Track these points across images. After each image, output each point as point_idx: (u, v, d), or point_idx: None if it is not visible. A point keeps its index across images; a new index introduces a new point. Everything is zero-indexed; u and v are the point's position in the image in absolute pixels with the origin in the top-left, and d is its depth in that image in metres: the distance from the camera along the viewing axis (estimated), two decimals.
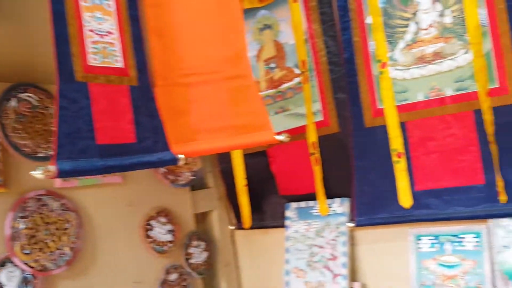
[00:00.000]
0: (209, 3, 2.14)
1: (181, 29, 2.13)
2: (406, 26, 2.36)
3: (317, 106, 2.66)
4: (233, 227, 3.19)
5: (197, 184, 3.10)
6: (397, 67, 2.39)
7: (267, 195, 2.99)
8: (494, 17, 2.12)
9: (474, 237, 2.23)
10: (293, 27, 2.64)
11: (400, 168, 2.38)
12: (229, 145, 2.22)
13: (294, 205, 2.85)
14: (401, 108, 2.38)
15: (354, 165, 2.54)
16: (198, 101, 2.14)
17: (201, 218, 3.17)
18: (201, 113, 2.14)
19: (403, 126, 2.38)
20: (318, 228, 2.71)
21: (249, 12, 2.84)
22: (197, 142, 2.14)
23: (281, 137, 2.14)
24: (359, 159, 2.53)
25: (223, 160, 3.06)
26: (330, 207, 2.68)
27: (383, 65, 2.40)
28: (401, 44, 2.38)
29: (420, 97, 2.34)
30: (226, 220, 3.21)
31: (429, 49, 2.30)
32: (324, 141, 2.64)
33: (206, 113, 2.14)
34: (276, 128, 2.60)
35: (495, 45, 2.13)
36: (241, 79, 2.11)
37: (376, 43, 2.41)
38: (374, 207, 2.49)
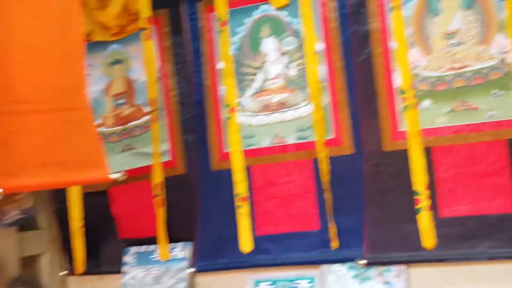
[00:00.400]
0: (48, 28, 1.97)
1: (12, 51, 1.92)
2: (255, 74, 2.45)
3: (165, 146, 2.60)
4: (65, 273, 2.91)
5: (26, 224, 2.79)
6: (245, 113, 2.45)
7: (105, 238, 2.80)
8: (332, 74, 2.29)
9: (309, 282, 2.29)
10: (145, 65, 2.60)
11: (243, 213, 2.39)
12: (58, 181, 2.01)
13: (133, 249, 2.70)
14: (247, 153, 2.42)
15: (199, 208, 2.50)
16: (26, 131, 1.90)
17: (29, 262, 2.85)
18: (28, 144, 1.90)
19: (248, 170, 2.41)
20: (157, 274, 2.58)
21: (99, 45, 2.74)
22: (22, 176, 1.90)
23: (115, 176, 2.02)
24: (204, 202, 2.50)
25: (59, 198, 2.81)
26: (171, 251, 2.58)
27: (232, 110, 2.45)
28: (250, 91, 2.45)
29: (265, 143, 2.41)
30: (58, 264, 2.92)
31: (275, 98, 2.40)
32: (170, 182, 2.58)
33: (34, 145, 1.90)
34: (120, 167, 2.51)
35: (332, 100, 2.29)
36: (77, 112, 1.96)
37: (226, 88, 2.46)
38: (216, 252, 2.46)
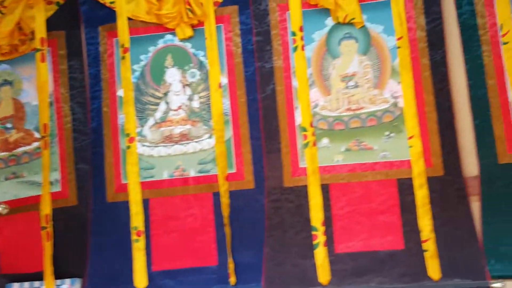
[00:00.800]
0: None
1: None
2: (157, 104, 2.39)
3: (56, 175, 2.44)
4: None
5: None
6: (145, 143, 2.37)
7: None
8: (236, 108, 2.30)
9: None
10: (37, 88, 2.45)
11: (138, 247, 2.29)
12: None
13: (16, 286, 2.47)
14: (145, 185, 2.34)
15: (90, 242, 2.36)
16: None
17: None
18: None
19: (146, 203, 2.33)
20: None
21: None
22: None
23: None
24: (96, 235, 2.36)
25: None
26: None
27: (131, 139, 2.36)
28: (151, 121, 2.39)
29: (165, 176, 2.34)
30: None
31: (177, 129, 2.36)
32: (59, 214, 2.41)
33: None
34: (5, 196, 2.31)
35: (235, 134, 2.29)
36: None
37: (126, 117, 2.38)
38: None
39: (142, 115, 2.39)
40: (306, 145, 2.18)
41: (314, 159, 2.17)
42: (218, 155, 2.27)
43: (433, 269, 2.02)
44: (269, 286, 2.14)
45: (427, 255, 2.03)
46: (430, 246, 2.03)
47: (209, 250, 2.26)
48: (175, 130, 2.36)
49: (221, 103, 2.30)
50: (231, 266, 2.20)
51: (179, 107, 2.37)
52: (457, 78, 2.13)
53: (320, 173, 2.16)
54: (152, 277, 2.28)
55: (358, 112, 2.19)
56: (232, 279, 2.20)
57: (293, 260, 2.15)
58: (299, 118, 2.21)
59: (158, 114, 2.39)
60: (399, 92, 2.15)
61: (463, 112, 2.12)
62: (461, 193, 2.06)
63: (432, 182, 2.08)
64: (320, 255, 2.12)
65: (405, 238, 2.08)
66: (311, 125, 2.19)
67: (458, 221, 2.05)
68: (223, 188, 2.25)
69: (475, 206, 2.06)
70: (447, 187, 2.07)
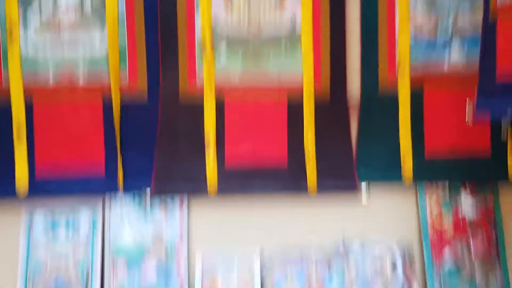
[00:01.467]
0: None
1: None
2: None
3: None
4: None
5: None
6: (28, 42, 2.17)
7: None
8: (132, 14, 2.17)
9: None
10: None
11: (20, 149, 2.19)
12: None
13: None
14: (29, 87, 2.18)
15: None
16: None
17: None
18: None
19: (30, 108, 2.18)
20: None
21: None
22: None
23: None
24: None
25: None
26: None
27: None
28: (36, 20, 2.17)
29: (52, 78, 2.19)
30: None
31: (66, 32, 2.18)
32: None
33: None
34: None
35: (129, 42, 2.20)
36: None
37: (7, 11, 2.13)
38: None
39: (25, 14, 2.15)
40: (204, 60, 2.18)
41: (211, 76, 2.19)
42: (112, 65, 2.16)
43: (311, 170, 2.25)
44: (158, 190, 2.22)
45: (308, 164, 2.24)
46: (310, 155, 2.24)
47: (96, 152, 2.22)
48: (63, 32, 2.17)
49: (116, 7, 2.15)
50: (119, 166, 2.21)
51: (69, 8, 2.16)
52: (352, 8, 2.23)
53: (216, 90, 2.20)
54: (35, 181, 2.21)
55: (258, 30, 2.20)
56: (121, 183, 2.23)
57: (183, 167, 2.23)
58: (199, 33, 2.16)
59: (45, 15, 2.16)
60: (298, 13, 2.19)
61: (353, 42, 2.25)
62: (344, 112, 2.26)
63: (319, 101, 2.24)
64: (210, 166, 2.22)
65: (289, 150, 2.26)
66: (211, 41, 2.17)
67: (338, 137, 2.27)
68: (116, 102, 2.19)
69: (354, 121, 2.29)
70: (333, 106, 2.25)
